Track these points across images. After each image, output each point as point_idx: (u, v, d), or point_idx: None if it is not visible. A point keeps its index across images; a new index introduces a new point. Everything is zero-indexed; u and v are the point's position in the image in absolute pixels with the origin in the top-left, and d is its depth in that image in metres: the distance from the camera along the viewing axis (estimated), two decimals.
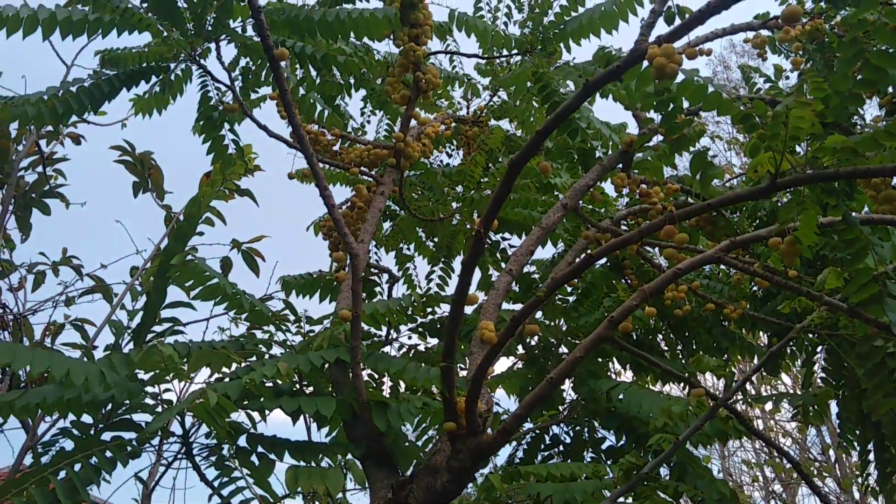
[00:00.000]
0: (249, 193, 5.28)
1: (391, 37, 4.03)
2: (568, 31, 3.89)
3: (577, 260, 4.30)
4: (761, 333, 4.88)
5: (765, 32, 4.50)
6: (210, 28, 3.76)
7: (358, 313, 2.73)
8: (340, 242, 4.52)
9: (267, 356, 3.03)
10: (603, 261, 4.74)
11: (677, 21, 2.18)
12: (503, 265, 5.14)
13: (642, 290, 2.61)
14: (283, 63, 4.39)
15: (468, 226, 5.06)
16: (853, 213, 2.71)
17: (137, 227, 5.39)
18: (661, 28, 2.29)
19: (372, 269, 4.58)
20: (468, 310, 3.55)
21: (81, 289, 5.25)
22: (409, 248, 5.37)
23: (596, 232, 4.01)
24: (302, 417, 3.06)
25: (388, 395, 3.28)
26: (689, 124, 2.28)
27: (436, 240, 5.29)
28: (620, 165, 3.92)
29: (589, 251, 2.55)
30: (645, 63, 2.15)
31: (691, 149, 2.36)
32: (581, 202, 4.15)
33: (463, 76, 5.61)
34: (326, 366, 2.94)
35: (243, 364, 2.88)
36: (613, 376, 4.71)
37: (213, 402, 2.15)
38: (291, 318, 3.69)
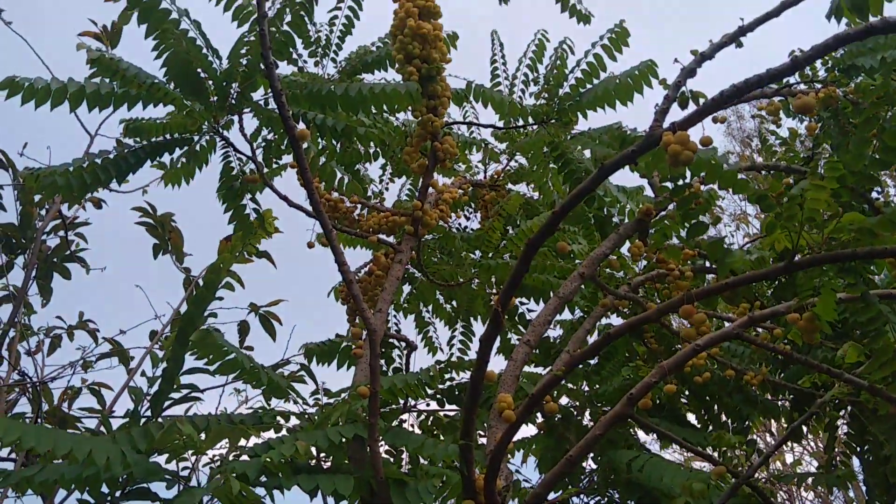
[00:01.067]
0: (268, 255, 5.34)
1: (410, 107, 4.10)
2: (583, 103, 3.95)
3: (596, 325, 4.32)
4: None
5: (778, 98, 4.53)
6: (233, 101, 3.86)
7: (376, 390, 2.73)
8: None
9: (284, 430, 3.03)
10: (622, 322, 4.75)
11: (691, 106, 2.22)
12: (521, 328, 5.15)
13: (661, 366, 2.60)
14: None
15: (486, 290, 5.07)
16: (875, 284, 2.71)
17: (156, 289, 5.44)
18: (675, 111, 2.32)
19: (390, 339, 4.60)
20: None
21: (99, 353, 5.31)
22: (428, 312, 5.38)
23: (613, 300, 4.01)
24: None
25: (407, 468, 3.26)
26: (704, 210, 2.30)
27: (454, 303, 5.31)
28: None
29: (608, 331, 2.55)
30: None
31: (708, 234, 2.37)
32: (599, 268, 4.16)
33: (480, 141, 5.69)
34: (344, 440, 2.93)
35: (261, 439, 2.88)
36: (639, 436, 4.66)
37: (236, 490, 2.15)
38: (309, 386, 3.71)
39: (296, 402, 3.29)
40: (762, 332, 4.00)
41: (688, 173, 2.59)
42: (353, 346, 3.73)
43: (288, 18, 3.83)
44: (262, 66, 2.86)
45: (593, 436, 2.57)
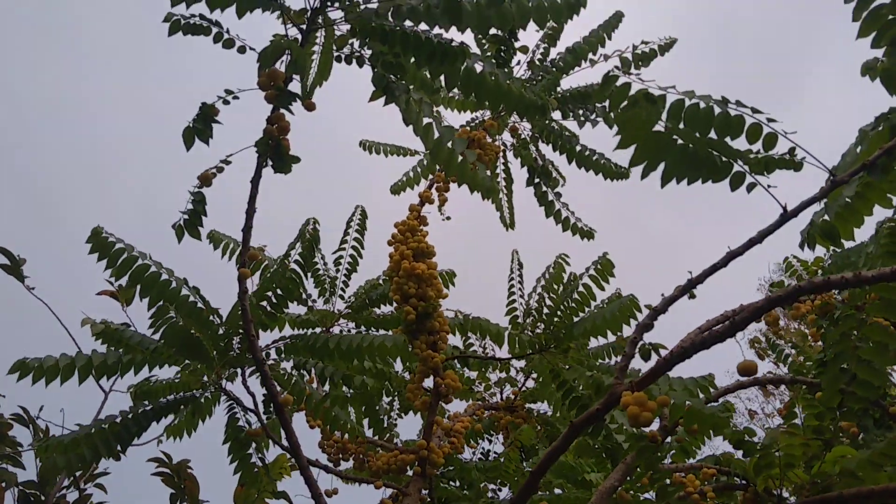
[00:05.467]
0: (286, 496, 5.25)
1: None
2: (576, 333, 4.01)
3: None
4: None
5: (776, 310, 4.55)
6: (235, 355, 3.97)
7: None
8: None
9: None
10: None
11: (653, 359, 2.25)
12: None
13: None
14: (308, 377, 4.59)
15: None
16: None
17: None
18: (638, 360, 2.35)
19: None
20: None
21: None
22: None
23: None
24: None
25: None
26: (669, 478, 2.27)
27: None
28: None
29: None
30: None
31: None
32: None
33: (496, 361, 5.72)
34: None
35: None
36: None
37: None
38: None
39: None
40: None
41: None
42: None
43: (291, 265, 4.02)
44: (246, 338, 2.98)
45: None
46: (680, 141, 2.05)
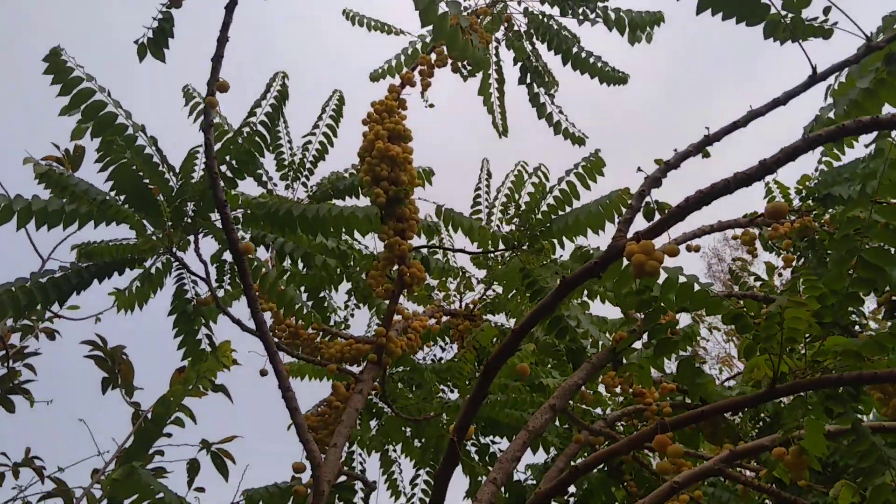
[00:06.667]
0: (224, 389, 5.02)
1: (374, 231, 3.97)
2: (554, 230, 3.83)
3: (570, 462, 4.02)
4: None
5: (754, 229, 4.44)
6: (190, 220, 3.70)
7: None
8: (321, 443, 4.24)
9: None
10: (601, 466, 4.45)
11: (657, 216, 2.07)
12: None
13: None
14: (266, 255, 4.34)
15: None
16: (863, 422, 2.49)
17: (105, 425, 5.10)
18: (640, 224, 2.17)
19: (346, 476, 4.24)
20: None
21: (41, 492, 4.91)
22: (394, 450, 5.06)
23: (588, 435, 3.75)
24: None
25: None
26: (674, 325, 2.11)
27: (423, 440, 4.99)
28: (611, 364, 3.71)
29: (576, 465, 2.30)
30: (625, 261, 2.01)
31: (678, 353, 2.18)
32: (573, 402, 3.94)
33: (458, 269, 5.54)
34: None
35: None
36: None
37: None
38: None
39: None
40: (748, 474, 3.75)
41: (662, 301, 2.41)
42: (293, 488, 3.39)
43: (250, 129, 3.71)
44: (209, 176, 2.72)
45: None
46: None
